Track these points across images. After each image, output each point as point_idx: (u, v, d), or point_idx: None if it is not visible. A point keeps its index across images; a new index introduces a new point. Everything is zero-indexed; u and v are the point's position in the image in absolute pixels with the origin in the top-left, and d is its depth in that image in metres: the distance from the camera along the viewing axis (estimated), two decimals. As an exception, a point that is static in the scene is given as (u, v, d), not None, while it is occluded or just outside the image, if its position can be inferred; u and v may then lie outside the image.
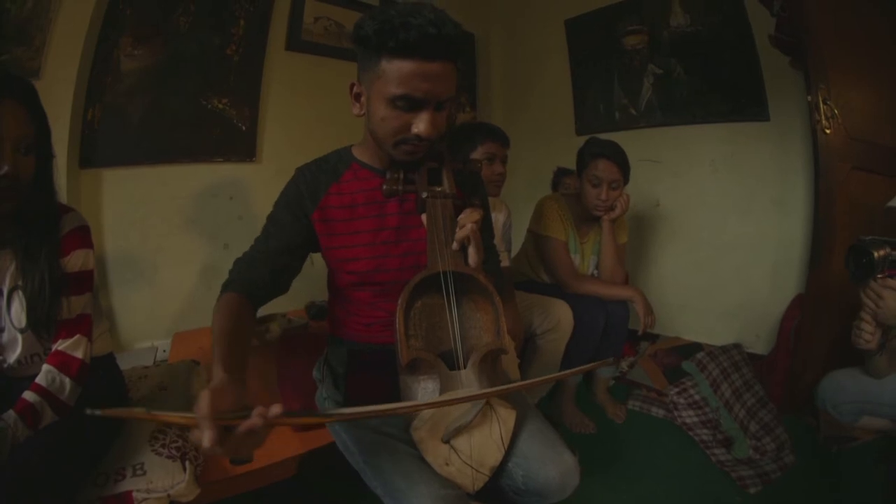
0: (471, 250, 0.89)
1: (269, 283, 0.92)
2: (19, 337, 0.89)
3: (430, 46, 0.77)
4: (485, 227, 1.10)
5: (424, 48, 0.77)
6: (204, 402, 0.54)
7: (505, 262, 1.66)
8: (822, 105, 1.59)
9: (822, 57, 1.60)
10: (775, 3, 1.88)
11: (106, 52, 1.78)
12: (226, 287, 0.89)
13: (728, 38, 2.10)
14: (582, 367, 0.89)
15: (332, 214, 0.96)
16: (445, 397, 0.79)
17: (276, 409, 0.57)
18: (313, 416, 0.69)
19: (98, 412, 0.51)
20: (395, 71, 0.79)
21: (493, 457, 0.84)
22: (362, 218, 0.96)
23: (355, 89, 0.90)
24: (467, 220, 0.88)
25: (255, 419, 0.55)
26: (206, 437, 0.52)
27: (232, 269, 0.93)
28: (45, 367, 0.86)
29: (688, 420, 1.78)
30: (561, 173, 2.28)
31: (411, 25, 0.75)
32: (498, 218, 1.68)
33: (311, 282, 0.99)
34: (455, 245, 0.88)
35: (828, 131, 1.60)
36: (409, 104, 0.81)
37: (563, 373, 0.94)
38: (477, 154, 1.56)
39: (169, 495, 0.91)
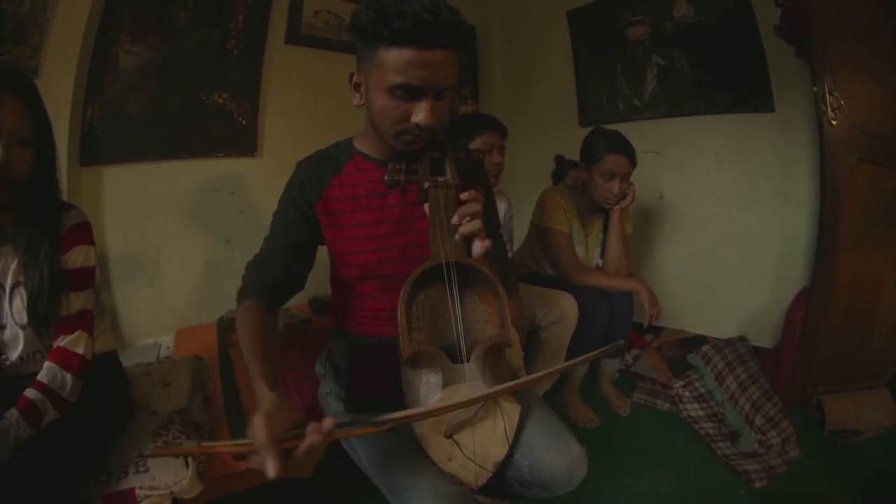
0: (476, 242, 0.87)
1: (286, 283, 0.91)
2: (21, 333, 0.89)
3: (427, 34, 0.76)
4: (490, 215, 1.09)
5: (421, 36, 0.76)
6: (261, 428, 0.53)
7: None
8: (827, 96, 1.56)
9: (827, 47, 1.58)
10: (779, -7, 1.85)
11: (104, 50, 1.77)
12: (244, 294, 0.88)
13: (732, 28, 2.07)
14: (589, 355, 0.87)
15: (335, 207, 0.95)
16: (464, 398, 0.77)
17: (329, 423, 0.56)
18: (368, 427, 0.67)
19: (147, 452, 0.50)
20: (393, 60, 0.77)
21: (497, 452, 0.83)
22: (364, 210, 0.95)
23: (354, 79, 0.89)
24: (468, 212, 0.85)
25: (312, 437, 0.55)
26: (269, 466, 0.52)
27: (245, 274, 0.92)
28: (46, 363, 0.86)
29: (693, 413, 1.78)
30: (563, 163, 2.25)
31: (406, 13, 0.73)
32: (499, 208, 1.67)
33: (314, 276, 0.98)
34: (458, 237, 0.86)
35: (834, 123, 1.58)
36: (408, 93, 0.80)
37: (570, 362, 0.91)
38: (475, 144, 1.56)
39: (172, 492, 0.91)
